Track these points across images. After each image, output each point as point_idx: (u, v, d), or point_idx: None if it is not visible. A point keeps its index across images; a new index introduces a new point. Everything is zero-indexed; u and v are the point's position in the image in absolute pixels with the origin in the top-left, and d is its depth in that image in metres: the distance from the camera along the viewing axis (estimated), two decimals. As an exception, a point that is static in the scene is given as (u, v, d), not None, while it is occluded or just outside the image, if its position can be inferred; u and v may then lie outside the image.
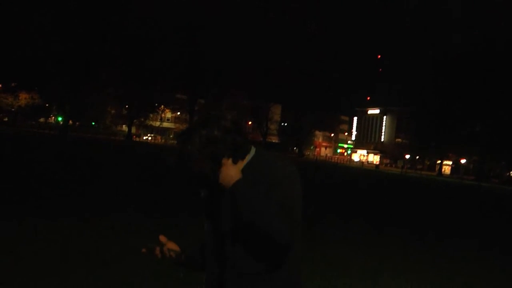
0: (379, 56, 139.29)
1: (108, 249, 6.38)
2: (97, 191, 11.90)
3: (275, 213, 1.75)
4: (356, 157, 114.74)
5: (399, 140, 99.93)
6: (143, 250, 2.02)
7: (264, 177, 1.84)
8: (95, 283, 5.04)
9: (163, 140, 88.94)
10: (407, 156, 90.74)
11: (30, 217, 7.73)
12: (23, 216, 7.75)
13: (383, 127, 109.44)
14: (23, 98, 65.93)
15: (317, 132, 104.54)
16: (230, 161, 1.82)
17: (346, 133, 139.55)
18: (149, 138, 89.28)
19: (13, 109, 67.43)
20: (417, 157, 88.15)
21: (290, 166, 1.90)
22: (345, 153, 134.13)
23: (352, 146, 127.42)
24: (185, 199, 11.32)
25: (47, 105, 73.94)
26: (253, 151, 1.94)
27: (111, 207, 9.79)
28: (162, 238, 1.91)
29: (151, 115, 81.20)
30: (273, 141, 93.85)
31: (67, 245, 6.43)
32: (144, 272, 5.47)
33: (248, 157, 1.91)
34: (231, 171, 1.80)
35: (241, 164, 1.88)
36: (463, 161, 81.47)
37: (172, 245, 1.92)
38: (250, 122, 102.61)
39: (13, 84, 65.88)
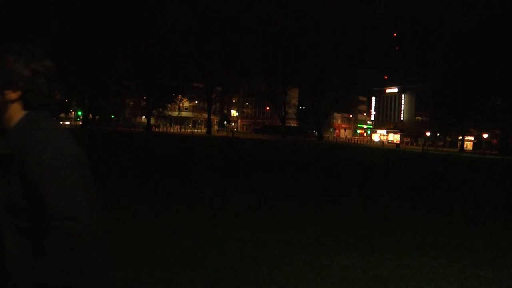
0: (394, 34, 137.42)
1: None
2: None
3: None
4: (376, 137, 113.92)
5: (419, 118, 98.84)
6: None
7: (21, 149, 1.61)
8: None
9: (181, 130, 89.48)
10: (428, 134, 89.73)
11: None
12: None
13: (402, 106, 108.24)
14: (43, 94, 66.91)
15: (335, 114, 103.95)
16: (19, 100, 1.69)
17: (364, 114, 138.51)
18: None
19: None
20: (438, 134, 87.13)
21: (50, 139, 1.64)
22: (365, 134, 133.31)
23: (371, 126, 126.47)
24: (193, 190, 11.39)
25: (66, 100, 74.82)
26: (38, 113, 1.71)
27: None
28: None
29: (169, 105, 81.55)
30: (292, 125, 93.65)
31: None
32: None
33: (29, 116, 1.70)
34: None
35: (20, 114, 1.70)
36: (485, 135, 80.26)
37: None
38: (268, 108, 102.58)
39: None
